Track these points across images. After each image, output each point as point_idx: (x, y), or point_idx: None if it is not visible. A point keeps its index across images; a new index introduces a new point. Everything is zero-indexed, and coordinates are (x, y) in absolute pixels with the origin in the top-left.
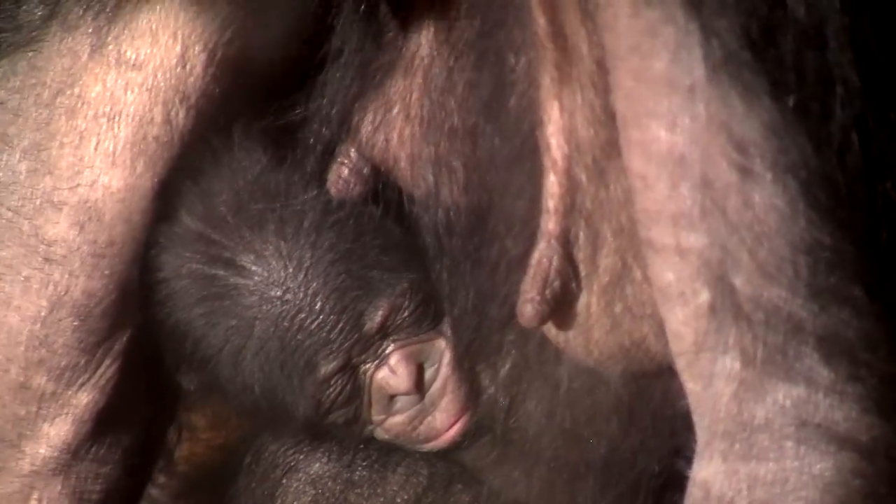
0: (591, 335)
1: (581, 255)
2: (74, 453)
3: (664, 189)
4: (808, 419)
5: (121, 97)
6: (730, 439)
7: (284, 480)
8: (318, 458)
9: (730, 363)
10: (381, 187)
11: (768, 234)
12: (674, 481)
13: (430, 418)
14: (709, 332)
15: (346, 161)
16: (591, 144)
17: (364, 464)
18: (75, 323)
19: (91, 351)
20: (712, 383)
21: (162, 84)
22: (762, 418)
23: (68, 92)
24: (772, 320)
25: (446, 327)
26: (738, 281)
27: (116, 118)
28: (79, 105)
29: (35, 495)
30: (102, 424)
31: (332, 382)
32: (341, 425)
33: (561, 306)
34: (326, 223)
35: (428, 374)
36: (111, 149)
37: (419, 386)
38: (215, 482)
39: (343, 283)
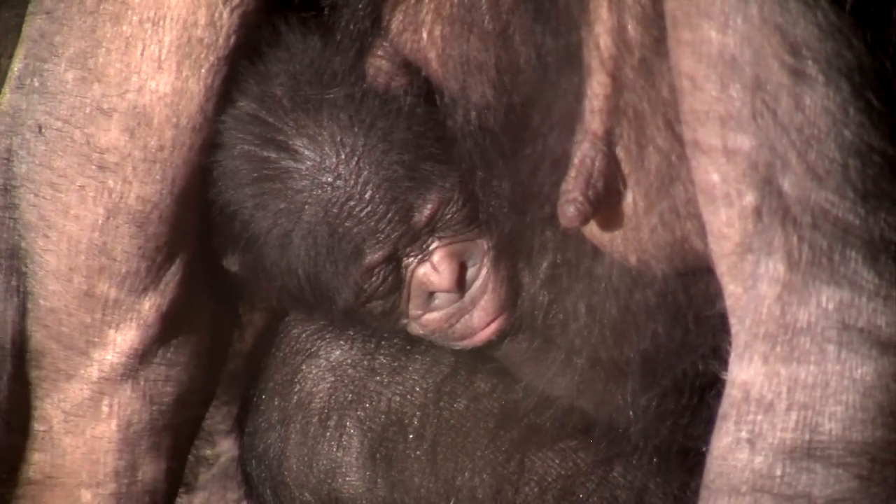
0: (635, 235)
1: (625, 154)
2: (142, 357)
3: (713, 90)
4: (850, 323)
5: (164, 1)
6: (771, 341)
7: (304, 367)
8: (339, 346)
9: (773, 265)
10: (421, 82)
11: (818, 136)
12: (712, 382)
13: (467, 317)
14: (754, 233)
15: (382, 53)
16: (640, 44)
17: (385, 352)
18: (133, 229)
19: (151, 256)
20: (755, 285)
21: None
22: (805, 321)
23: None
24: (819, 223)
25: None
26: (787, 183)
27: (161, 22)
28: (123, 11)
29: (106, 401)
30: (169, 328)
31: (376, 272)
32: (376, 316)
33: (605, 206)
34: (380, 112)
35: (469, 272)
36: (157, 53)
37: (460, 284)
38: None
39: (395, 173)
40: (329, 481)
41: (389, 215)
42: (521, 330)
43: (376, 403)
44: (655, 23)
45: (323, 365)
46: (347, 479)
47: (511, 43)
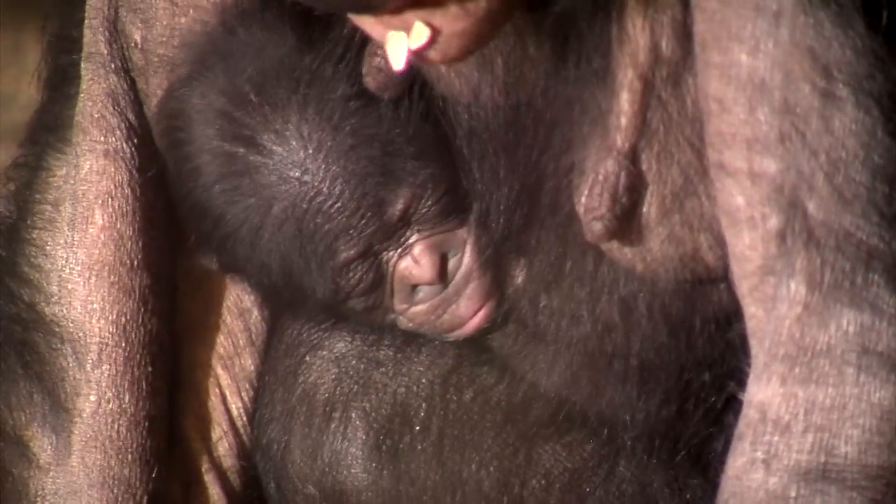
0: (644, 244)
1: (647, 168)
2: None
3: (741, 113)
4: (870, 346)
5: None
6: (790, 363)
7: (308, 358)
8: (343, 337)
9: (795, 287)
10: (416, 83)
11: (846, 159)
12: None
13: (453, 307)
14: (776, 256)
15: (381, 53)
16: (670, 61)
17: (389, 343)
18: None
19: None
20: (776, 307)
21: None
22: (824, 343)
23: None
24: (843, 246)
25: (470, 218)
26: (812, 206)
27: None
28: None
29: None
30: None
31: (353, 268)
32: (361, 311)
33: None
34: (350, 108)
35: (451, 263)
36: None
37: (442, 276)
38: None
39: (364, 168)
40: (333, 473)
41: (361, 211)
42: (514, 323)
43: (381, 395)
44: (685, 38)
45: (327, 356)
46: (352, 471)
47: (525, 49)
